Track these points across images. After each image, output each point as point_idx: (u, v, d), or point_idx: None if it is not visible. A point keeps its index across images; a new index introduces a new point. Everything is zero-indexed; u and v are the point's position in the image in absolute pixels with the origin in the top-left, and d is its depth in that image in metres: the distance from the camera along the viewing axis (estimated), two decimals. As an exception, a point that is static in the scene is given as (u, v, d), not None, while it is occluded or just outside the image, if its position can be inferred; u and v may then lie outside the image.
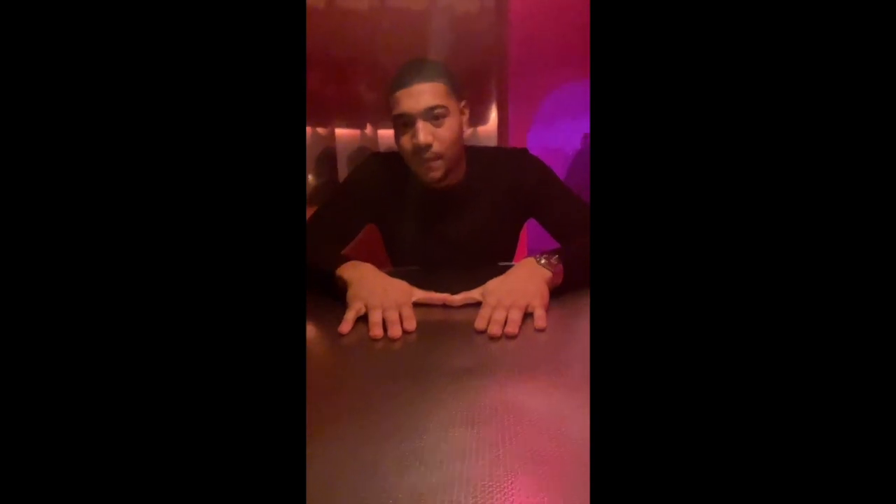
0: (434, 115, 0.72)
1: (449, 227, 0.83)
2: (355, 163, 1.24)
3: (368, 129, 1.46)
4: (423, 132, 0.71)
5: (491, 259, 0.86)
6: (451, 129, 0.74)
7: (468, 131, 0.81)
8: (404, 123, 0.73)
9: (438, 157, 0.74)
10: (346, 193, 0.83)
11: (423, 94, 0.71)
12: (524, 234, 0.94)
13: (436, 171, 0.75)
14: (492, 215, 0.82)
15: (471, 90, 1.40)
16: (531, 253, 0.66)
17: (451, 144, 0.75)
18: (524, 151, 0.85)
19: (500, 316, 0.54)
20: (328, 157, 1.43)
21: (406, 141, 0.74)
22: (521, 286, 0.58)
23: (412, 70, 0.73)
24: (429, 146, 0.72)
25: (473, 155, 0.82)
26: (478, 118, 1.44)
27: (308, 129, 1.41)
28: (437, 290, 0.63)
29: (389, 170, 0.82)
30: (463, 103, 0.78)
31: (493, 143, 1.43)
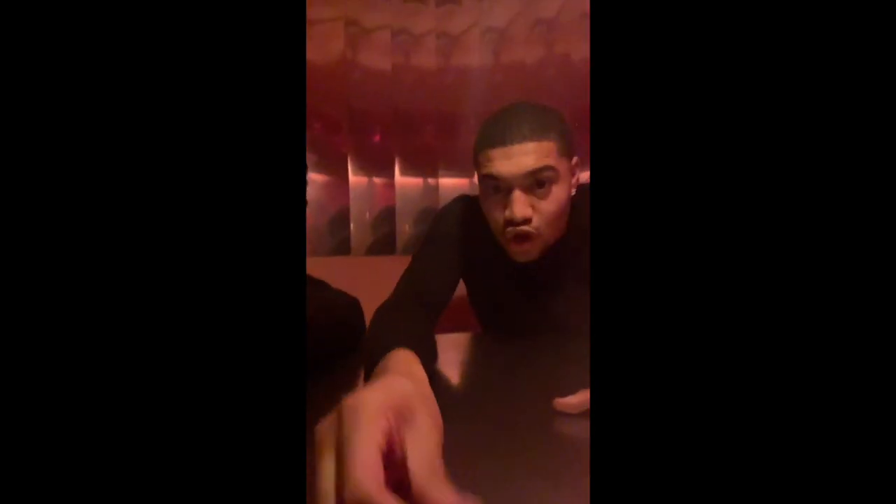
0: (538, 182, 0.55)
1: (546, 286, 0.66)
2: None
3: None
4: (520, 204, 0.55)
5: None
6: (558, 199, 0.57)
7: (578, 176, 0.64)
8: (496, 187, 0.57)
9: (536, 235, 0.57)
10: (438, 245, 0.67)
11: (525, 156, 0.53)
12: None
13: (529, 254, 0.59)
14: (585, 268, 0.65)
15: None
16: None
17: (555, 219, 0.58)
18: None
19: None
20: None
21: (496, 210, 0.58)
22: None
23: (513, 121, 0.55)
24: (527, 221, 0.56)
25: (579, 195, 0.64)
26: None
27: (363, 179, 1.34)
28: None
29: (479, 216, 0.66)
30: (575, 160, 0.60)
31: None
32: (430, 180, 1.28)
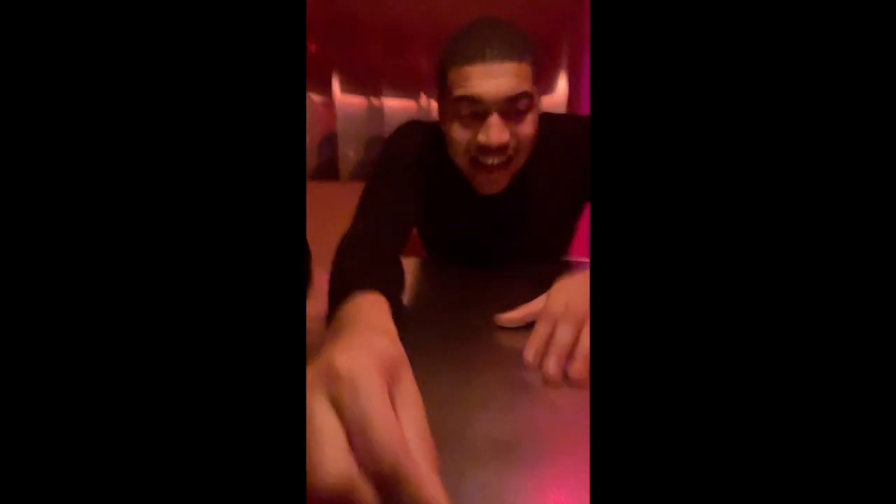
0: (516, 108, 0.51)
1: (496, 213, 0.68)
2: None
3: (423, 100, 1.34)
4: (498, 129, 0.50)
5: (547, 252, 0.71)
6: (532, 124, 0.53)
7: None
8: (472, 113, 0.51)
9: (509, 161, 0.54)
10: (395, 168, 0.61)
11: (506, 77, 0.49)
12: (585, 221, 0.78)
13: (498, 183, 0.56)
14: (548, 199, 0.67)
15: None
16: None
17: (528, 147, 0.55)
18: (588, 119, 0.67)
19: (565, 335, 0.35)
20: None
21: (464, 133, 0.53)
22: None
23: (492, 37, 0.49)
24: (503, 147, 0.52)
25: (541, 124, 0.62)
26: (541, 87, 1.26)
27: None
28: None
29: (430, 143, 0.64)
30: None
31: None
32: (374, 100, 1.21)
